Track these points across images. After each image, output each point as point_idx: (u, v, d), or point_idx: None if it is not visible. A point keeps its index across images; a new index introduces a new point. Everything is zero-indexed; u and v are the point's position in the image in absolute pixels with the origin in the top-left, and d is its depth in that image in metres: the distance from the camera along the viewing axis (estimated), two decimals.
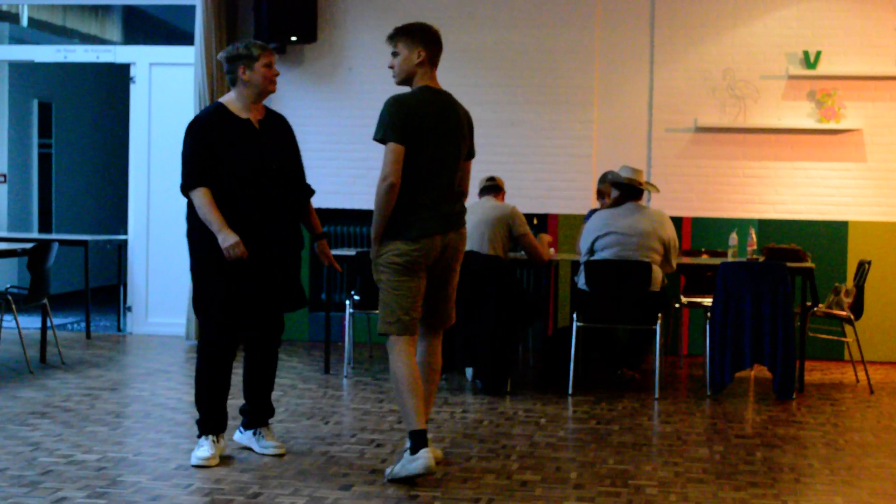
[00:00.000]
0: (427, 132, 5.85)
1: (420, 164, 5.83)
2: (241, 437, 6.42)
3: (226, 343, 6.17)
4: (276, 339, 6.43)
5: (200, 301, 6.13)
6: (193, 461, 6.00)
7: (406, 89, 6.00)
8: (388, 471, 5.83)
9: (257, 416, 6.39)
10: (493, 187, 8.88)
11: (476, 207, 8.73)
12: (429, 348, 6.11)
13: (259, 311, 6.20)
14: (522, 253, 8.83)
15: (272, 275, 6.13)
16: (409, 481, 5.69)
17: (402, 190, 5.82)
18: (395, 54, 5.95)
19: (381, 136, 5.83)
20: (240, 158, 6.00)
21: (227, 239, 5.89)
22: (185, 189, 5.99)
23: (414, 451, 5.71)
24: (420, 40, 5.91)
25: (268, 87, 6.14)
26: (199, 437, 6.15)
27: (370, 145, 10.66)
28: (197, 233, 6.03)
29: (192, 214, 6.04)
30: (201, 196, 5.94)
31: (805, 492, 5.84)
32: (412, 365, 5.86)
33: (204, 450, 6.05)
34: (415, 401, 5.78)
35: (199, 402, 6.19)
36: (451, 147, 5.95)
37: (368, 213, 10.78)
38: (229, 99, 6.16)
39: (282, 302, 6.25)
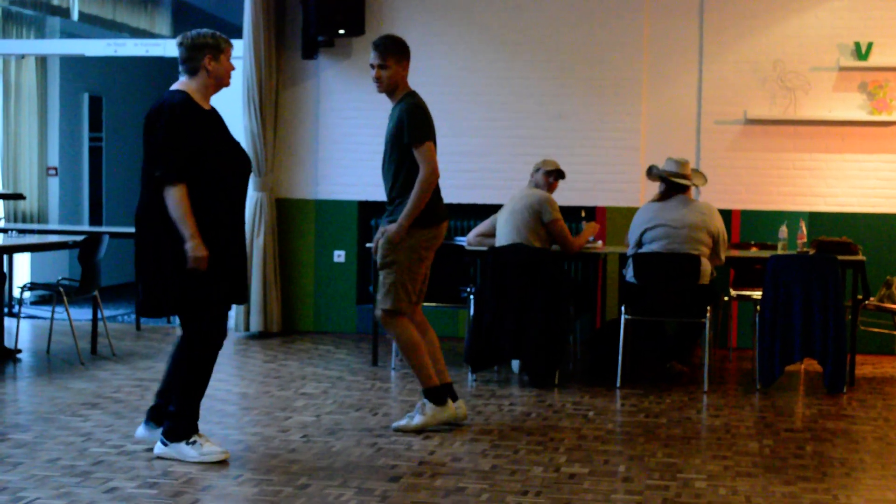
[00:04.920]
0: (435, 130, 6.78)
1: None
2: (147, 432, 6.14)
3: (221, 335, 6.00)
4: (224, 335, 6.16)
5: (190, 294, 5.81)
6: (211, 458, 5.84)
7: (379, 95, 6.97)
8: (401, 423, 6.73)
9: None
10: (534, 179, 8.86)
11: (514, 197, 8.74)
12: (421, 317, 6.96)
13: (228, 305, 6.07)
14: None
15: (241, 268, 6.04)
16: (441, 428, 6.74)
17: None
18: (382, 66, 6.71)
19: (421, 137, 6.64)
20: (218, 152, 5.87)
21: (198, 249, 5.71)
22: (165, 182, 5.71)
23: (442, 402, 6.75)
24: (406, 55, 6.78)
25: (227, 81, 6.04)
26: (187, 441, 5.88)
27: None
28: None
29: (161, 205, 5.75)
30: (180, 194, 5.70)
31: (856, 486, 5.80)
32: (416, 332, 6.79)
33: (210, 446, 5.90)
34: (428, 362, 6.77)
35: (191, 403, 5.93)
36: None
37: None
38: (191, 88, 5.92)
39: (241, 296, 6.11)
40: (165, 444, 5.95)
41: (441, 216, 6.82)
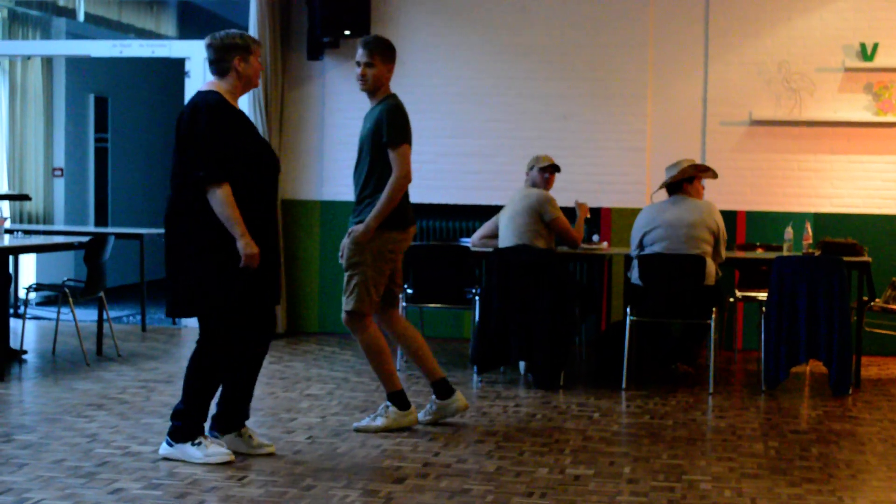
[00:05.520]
0: (412, 135, 6.73)
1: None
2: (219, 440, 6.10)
3: (242, 342, 6.01)
4: (273, 336, 6.26)
5: (213, 298, 5.82)
6: (216, 460, 5.84)
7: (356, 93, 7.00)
8: (363, 423, 6.76)
9: (241, 417, 6.15)
10: (531, 177, 8.85)
11: (513, 198, 8.74)
12: (401, 319, 7.04)
13: (265, 308, 6.09)
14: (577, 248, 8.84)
15: (274, 270, 6.06)
16: (400, 430, 6.74)
17: None
18: (369, 65, 6.67)
19: (399, 140, 6.60)
20: (253, 152, 5.89)
21: (250, 246, 5.74)
22: (210, 182, 5.72)
23: (406, 406, 6.80)
24: (392, 58, 6.77)
25: (256, 81, 6.09)
26: (192, 442, 5.89)
27: (421, 141, 10.69)
28: (213, 225, 5.75)
29: (198, 207, 5.76)
30: (225, 193, 5.72)
31: (861, 488, 5.79)
32: (381, 335, 6.83)
33: (215, 448, 5.90)
34: (393, 367, 6.85)
35: (200, 404, 5.92)
36: None
37: (420, 206, 10.82)
38: (222, 88, 5.93)
39: (276, 297, 6.14)
40: (170, 445, 5.96)
41: (409, 220, 6.79)
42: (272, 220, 6.06)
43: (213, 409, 6.15)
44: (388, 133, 6.60)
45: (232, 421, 6.13)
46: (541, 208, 8.56)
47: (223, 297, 5.83)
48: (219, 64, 5.95)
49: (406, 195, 6.72)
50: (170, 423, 6.01)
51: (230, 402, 6.13)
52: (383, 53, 6.71)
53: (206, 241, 5.80)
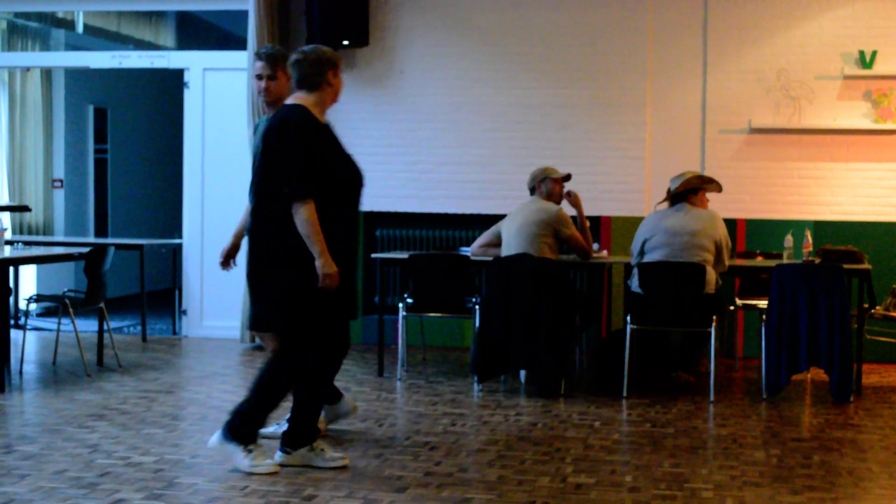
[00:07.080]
0: None
1: None
2: (289, 457, 6.06)
3: (317, 358, 6.01)
4: (346, 352, 6.28)
5: (297, 313, 5.83)
6: (261, 471, 5.85)
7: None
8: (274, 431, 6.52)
9: (312, 432, 6.11)
10: (534, 188, 8.86)
11: (522, 209, 8.73)
12: None
13: (340, 323, 6.10)
14: (573, 255, 8.84)
15: (352, 285, 6.06)
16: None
17: None
18: (271, 77, 6.66)
19: None
20: (339, 167, 5.87)
21: (329, 266, 5.72)
22: (294, 199, 5.69)
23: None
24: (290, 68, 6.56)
25: (338, 97, 6.15)
26: (245, 447, 5.89)
27: (422, 149, 10.75)
28: (298, 239, 5.74)
29: (285, 221, 5.74)
30: (308, 211, 5.69)
31: (863, 496, 5.78)
32: None
33: (263, 459, 5.90)
34: None
35: (260, 412, 5.94)
36: None
37: (421, 215, 10.83)
38: (309, 102, 5.92)
39: (353, 312, 6.16)
40: (224, 438, 5.93)
41: None
42: (352, 235, 6.04)
43: (283, 426, 6.21)
44: None
45: (304, 436, 6.07)
46: (558, 225, 8.55)
47: (306, 311, 5.83)
48: (312, 78, 5.94)
49: None
50: (228, 417, 5.98)
51: (301, 418, 6.08)
52: (285, 66, 6.67)
53: (291, 256, 5.77)
